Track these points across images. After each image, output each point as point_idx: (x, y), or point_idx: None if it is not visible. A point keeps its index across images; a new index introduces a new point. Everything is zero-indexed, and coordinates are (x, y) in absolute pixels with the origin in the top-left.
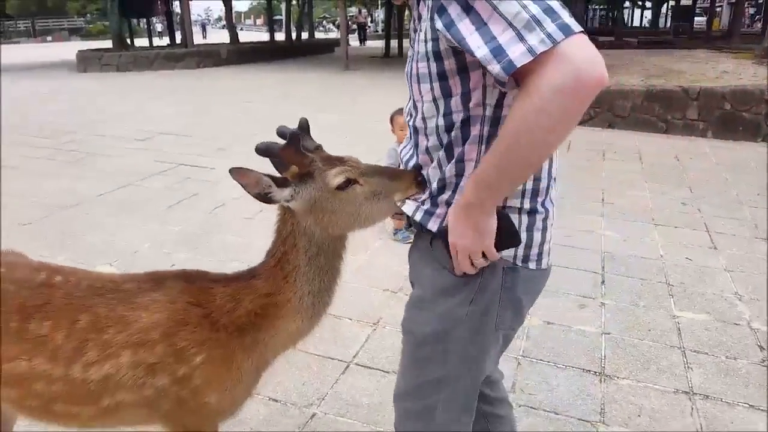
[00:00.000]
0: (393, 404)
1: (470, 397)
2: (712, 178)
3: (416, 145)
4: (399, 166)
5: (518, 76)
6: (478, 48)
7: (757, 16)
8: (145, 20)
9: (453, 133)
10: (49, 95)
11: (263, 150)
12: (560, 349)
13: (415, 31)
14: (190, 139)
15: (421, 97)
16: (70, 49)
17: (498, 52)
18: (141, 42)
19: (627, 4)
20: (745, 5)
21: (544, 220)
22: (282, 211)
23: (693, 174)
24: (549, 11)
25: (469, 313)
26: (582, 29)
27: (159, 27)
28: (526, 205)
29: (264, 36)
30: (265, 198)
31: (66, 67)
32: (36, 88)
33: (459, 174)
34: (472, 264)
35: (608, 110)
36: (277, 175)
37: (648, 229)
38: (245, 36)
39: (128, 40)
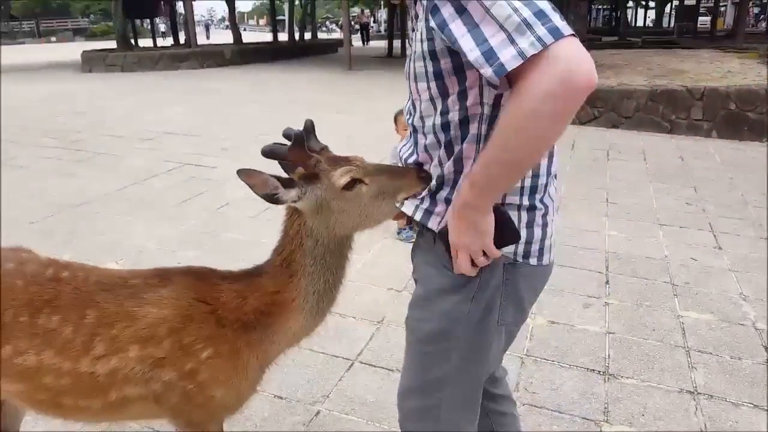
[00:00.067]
0: (397, 401)
1: (474, 394)
2: (717, 178)
3: (415, 144)
4: (398, 164)
5: (511, 78)
6: (471, 51)
7: (762, 16)
8: (148, 21)
9: (451, 132)
10: (55, 95)
11: (269, 152)
12: (564, 349)
13: (413, 30)
14: (195, 138)
15: (419, 95)
16: (74, 50)
17: (490, 55)
18: (145, 42)
19: (630, 4)
20: (750, 5)
21: (544, 216)
22: (289, 211)
23: (698, 174)
24: (540, 15)
25: (470, 310)
26: (573, 32)
27: (162, 27)
28: (525, 202)
29: (267, 36)
30: (272, 199)
31: (71, 67)
32: (42, 89)
33: (458, 171)
34: (474, 264)
35: (612, 110)
36: (284, 175)
37: (653, 229)
38: (248, 36)
39: (132, 41)
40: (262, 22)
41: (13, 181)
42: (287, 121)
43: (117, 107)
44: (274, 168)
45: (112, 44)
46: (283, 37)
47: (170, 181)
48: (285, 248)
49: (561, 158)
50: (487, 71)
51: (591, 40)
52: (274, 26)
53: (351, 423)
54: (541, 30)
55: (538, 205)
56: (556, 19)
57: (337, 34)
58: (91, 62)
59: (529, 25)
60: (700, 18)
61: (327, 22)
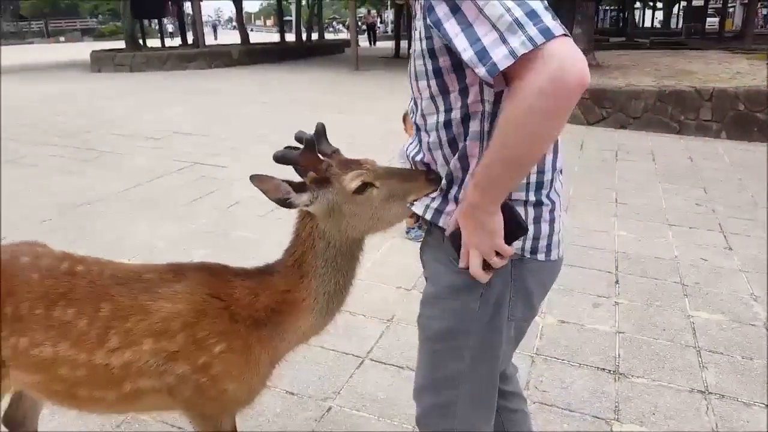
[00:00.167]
0: (413, 400)
1: (489, 391)
2: (727, 179)
3: (420, 142)
4: (405, 163)
5: (507, 78)
6: (464, 51)
7: None
8: (156, 21)
9: (453, 129)
10: (65, 95)
11: (280, 157)
12: (574, 348)
13: (414, 29)
14: (204, 138)
15: (420, 94)
16: (83, 50)
17: (482, 55)
18: (153, 42)
19: (638, 4)
20: (758, 6)
21: (551, 211)
22: (301, 214)
23: (707, 175)
24: (532, 15)
25: (480, 307)
26: (565, 32)
27: (170, 28)
28: (532, 198)
29: (274, 37)
30: (284, 203)
31: (80, 67)
32: (52, 88)
33: (464, 169)
34: (487, 268)
35: (621, 111)
36: (297, 178)
37: (662, 230)
38: (256, 37)
39: (141, 41)
40: (269, 22)
41: (24, 179)
42: (295, 121)
43: (126, 107)
44: (282, 168)
45: (120, 44)
46: (290, 37)
47: (180, 180)
48: (297, 249)
49: (569, 159)
50: (481, 71)
51: (598, 41)
52: (282, 27)
53: (362, 419)
54: (533, 30)
55: (545, 200)
56: (548, 20)
57: (344, 35)
58: (99, 62)
59: (520, 25)
60: (709, 19)
61: (334, 23)
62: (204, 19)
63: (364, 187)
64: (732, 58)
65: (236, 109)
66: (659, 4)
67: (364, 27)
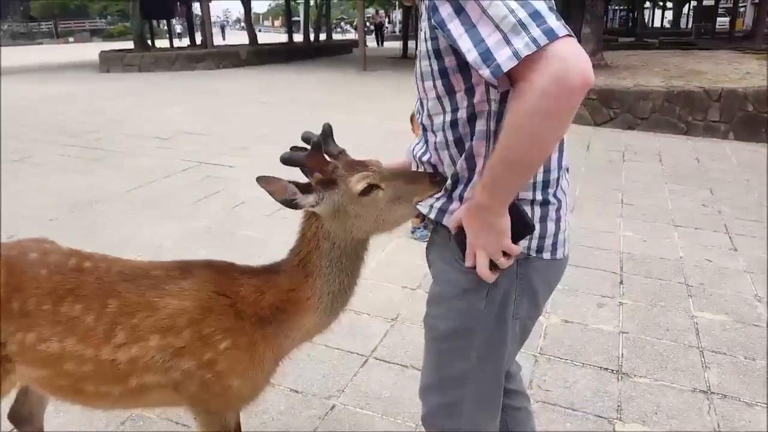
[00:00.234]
0: (419, 399)
1: (495, 391)
2: (734, 180)
3: (426, 142)
4: (412, 163)
5: (512, 79)
6: (469, 51)
7: None
8: (165, 21)
9: (460, 129)
10: (73, 95)
11: (287, 159)
12: (578, 347)
13: (420, 30)
14: (211, 138)
15: (426, 94)
16: (91, 50)
17: (487, 56)
18: (161, 43)
19: (648, 4)
20: None
21: (557, 210)
22: (307, 214)
23: (714, 176)
24: (535, 16)
25: (486, 306)
26: (569, 32)
27: (179, 28)
28: (538, 197)
29: (282, 37)
30: (290, 204)
31: (89, 67)
32: (61, 88)
33: (471, 168)
34: (493, 268)
35: (628, 111)
36: (303, 179)
37: (668, 231)
38: (264, 37)
39: (149, 41)
40: (277, 23)
41: (31, 177)
42: (302, 121)
43: (133, 107)
44: (288, 168)
45: (128, 45)
46: (298, 38)
47: (186, 179)
48: (302, 249)
49: (576, 159)
50: (485, 72)
51: (607, 41)
52: (290, 27)
53: (366, 417)
54: (536, 31)
55: (552, 199)
56: (552, 20)
57: (352, 35)
58: (108, 62)
59: (524, 26)
60: (719, 19)
61: (342, 23)
62: (212, 19)
63: (370, 188)
64: (742, 58)
65: (244, 110)
66: (669, 4)
67: (372, 27)
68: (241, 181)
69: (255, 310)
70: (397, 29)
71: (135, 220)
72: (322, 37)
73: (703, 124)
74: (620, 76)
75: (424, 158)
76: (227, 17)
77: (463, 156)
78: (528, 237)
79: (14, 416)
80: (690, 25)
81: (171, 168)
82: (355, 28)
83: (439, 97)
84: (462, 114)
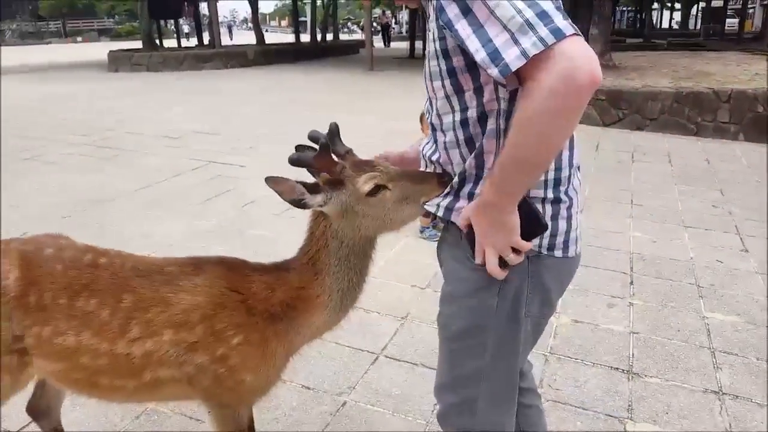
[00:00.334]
0: (435, 397)
1: (510, 388)
2: (744, 181)
3: (435, 142)
4: (420, 162)
5: (521, 78)
6: (477, 52)
7: None
8: (172, 21)
9: (470, 128)
10: (83, 94)
11: (296, 161)
12: (588, 347)
13: (428, 30)
14: (219, 137)
15: (435, 94)
16: (99, 50)
17: (495, 56)
18: (169, 43)
19: (656, 5)
20: None
21: (569, 208)
22: (315, 213)
23: (724, 177)
24: (543, 15)
25: (498, 305)
26: (576, 31)
27: (186, 28)
28: (550, 195)
29: (289, 37)
30: (299, 204)
31: (97, 66)
32: (70, 87)
33: (479, 167)
34: (503, 265)
35: (637, 112)
36: (310, 179)
37: (678, 231)
38: (271, 37)
39: (157, 41)
40: (283, 23)
41: (43, 175)
42: (309, 121)
43: (142, 106)
44: (296, 168)
45: (136, 44)
46: (305, 38)
47: (196, 178)
48: (311, 248)
49: (585, 160)
50: (493, 71)
51: (615, 42)
52: (297, 27)
53: (377, 414)
54: (544, 30)
55: (563, 197)
56: (559, 20)
57: (359, 36)
58: (117, 62)
59: (531, 26)
60: (728, 20)
61: (349, 24)
62: (219, 19)
63: (377, 189)
64: (751, 60)
65: (252, 109)
66: (677, 5)
67: (379, 28)
68: (251, 180)
69: (266, 307)
70: (404, 30)
71: (145, 218)
72: (329, 37)
73: (713, 125)
74: (628, 77)
75: (434, 157)
76: (234, 17)
77: (472, 154)
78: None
79: (32, 410)
80: (698, 27)
81: (181, 167)
82: (362, 29)
83: (447, 97)
84: (472, 113)
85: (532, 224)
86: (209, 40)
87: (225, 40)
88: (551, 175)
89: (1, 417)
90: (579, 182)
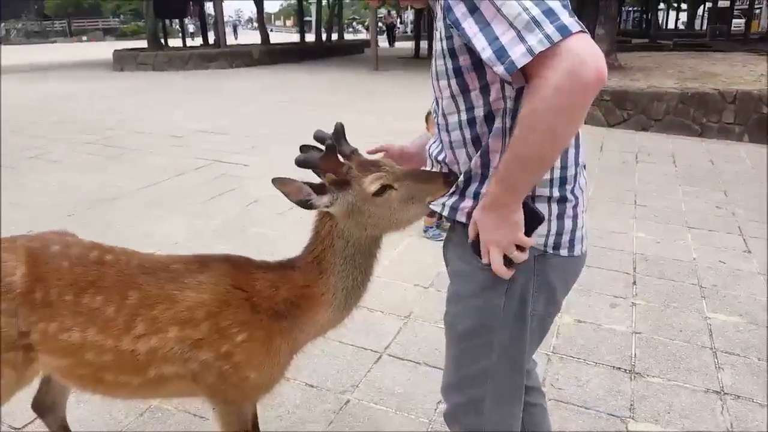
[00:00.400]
0: (442, 397)
1: (516, 388)
2: (748, 182)
3: (441, 141)
4: (427, 161)
5: (527, 76)
6: (483, 50)
7: None
8: (178, 21)
9: (477, 128)
10: (88, 93)
11: (302, 162)
12: (591, 347)
13: (436, 29)
14: (224, 137)
15: (441, 93)
16: (105, 49)
17: (501, 53)
18: (174, 42)
19: (662, 6)
20: None
21: (575, 207)
22: (321, 212)
23: (728, 178)
24: (548, 13)
25: (505, 304)
26: (582, 28)
27: (191, 28)
28: (556, 194)
29: (294, 37)
30: (305, 204)
31: (102, 66)
32: (76, 86)
33: (485, 165)
34: (508, 264)
35: (642, 113)
36: (316, 179)
37: (681, 232)
38: (276, 37)
39: (163, 41)
40: (288, 22)
41: (48, 174)
42: (314, 120)
43: (148, 105)
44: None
45: (141, 44)
46: (310, 37)
47: (200, 177)
48: (316, 247)
49: (589, 160)
50: (499, 69)
51: (621, 42)
52: (302, 27)
53: (380, 412)
54: (550, 28)
55: (569, 196)
56: (565, 17)
57: (363, 35)
58: (122, 61)
59: (537, 23)
60: (735, 20)
61: (354, 23)
62: (224, 19)
63: (383, 189)
64: (757, 60)
65: (256, 108)
66: (683, 6)
67: (384, 27)
68: (254, 179)
69: (270, 305)
70: (408, 29)
71: (149, 217)
72: (334, 37)
73: (718, 126)
74: (634, 77)
75: (440, 157)
76: (239, 17)
77: (478, 153)
78: (546, 234)
79: (37, 406)
80: (705, 27)
81: (185, 166)
82: (367, 29)
83: (453, 96)
84: (479, 112)
85: (528, 218)
86: (214, 40)
87: (230, 40)
88: (557, 173)
89: (1, 415)
90: (585, 181)
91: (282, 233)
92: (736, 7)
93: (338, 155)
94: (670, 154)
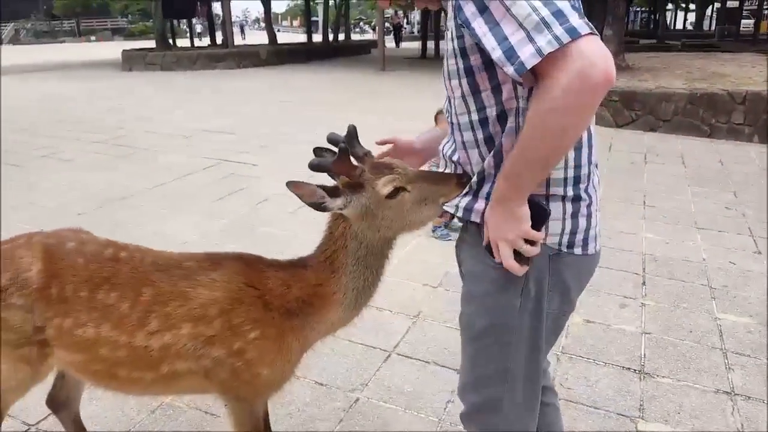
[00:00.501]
0: (459, 398)
1: (533, 387)
2: (758, 183)
3: (454, 141)
4: (440, 161)
5: (536, 76)
6: (493, 50)
7: None
8: (185, 21)
9: (490, 127)
10: (97, 93)
11: (316, 166)
12: (600, 347)
13: (447, 29)
14: (233, 136)
15: (453, 93)
16: (113, 49)
17: (510, 54)
18: (182, 42)
19: (670, 6)
20: None
21: (588, 206)
22: (335, 214)
23: (738, 178)
24: (558, 14)
25: (521, 303)
26: (591, 30)
27: (199, 28)
28: (570, 193)
29: (301, 37)
30: (319, 207)
31: (111, 65)
32: (85, 86)
33: (498, 166)
34: (519, 260)
35: (650, 113)
36: (329, 181)
37: (691, 233)
38: (283, 37)
39: (171, 41)
40: (295, 23)
41: (59, 173)
42: (322, 120)
43: (156, 105)
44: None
45: (149, 44)
46: (317, 38)
47: (209, 177)
48: (329, 247)
49: (598, 160)
50: (509, 69)
51: (629, 42)
52: (309, 27)
53: (389, 411)
54: (559, 29)
55: (583, 195)
56: (574, 19)
57: (370, 36)
58: (131, 61)
59: (547, 24)
60: (743, 21)
61: (361, 24)
62: (232, 19)
63: (397, 191)
64: (766, 61)
65: (264, 108)
66: (692, 6)
67: (391, 28)
68: (263, 178)
69: (282, 303)
70: (415, 30)
71: (159, 216)
72: (341, 37)
73: (727, 126)
74: (642, 77)
75: (454, 157)
76: (246, 17)
77: (491, 153)
78: (560, 233)
79: (52, 402)
80: (713, 28)
81: (194, 165)
82: (374, 29)
83: (464, 96)
84: (491, 112)
85: (536, 213)
86: (222, 40)
87: (237, 40)
88: (571, 172)
89: (1, 413)
90: (598, 180)
91: (292, 233)
92: (745, 8)
93: (351, 158)
94: (679, 155)
